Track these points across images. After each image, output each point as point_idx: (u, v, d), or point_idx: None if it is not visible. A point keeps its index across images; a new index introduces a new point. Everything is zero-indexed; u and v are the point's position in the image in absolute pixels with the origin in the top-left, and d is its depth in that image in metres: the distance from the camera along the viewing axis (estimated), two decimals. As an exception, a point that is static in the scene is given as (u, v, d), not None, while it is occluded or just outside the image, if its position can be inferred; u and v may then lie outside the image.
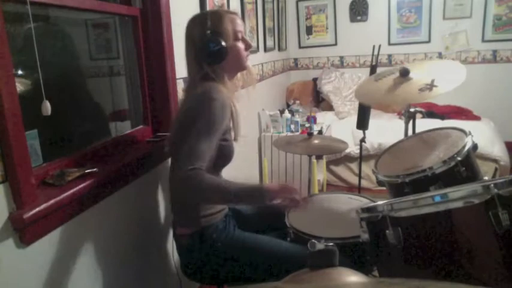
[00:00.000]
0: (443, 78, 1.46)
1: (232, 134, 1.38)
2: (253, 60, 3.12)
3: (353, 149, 3.33)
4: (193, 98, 1.27)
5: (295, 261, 1.18)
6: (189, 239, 1.33)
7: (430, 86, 1.41)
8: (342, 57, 4.52)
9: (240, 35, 1.33)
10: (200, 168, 1.10)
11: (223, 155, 1.31)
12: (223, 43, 1.26)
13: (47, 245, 1.08)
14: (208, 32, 1.26)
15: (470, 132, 1.35)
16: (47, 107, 1.04)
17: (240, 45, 1.33)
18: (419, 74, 1.53)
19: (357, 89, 1.80)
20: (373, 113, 3.09)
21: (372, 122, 2.46)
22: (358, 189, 2.62)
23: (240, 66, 1.37)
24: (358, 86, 1.79)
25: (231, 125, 1.36)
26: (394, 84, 1.55)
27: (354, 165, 3.45)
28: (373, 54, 2.46)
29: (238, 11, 2.76)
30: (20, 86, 1.10)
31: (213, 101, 1.19)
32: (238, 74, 1.45)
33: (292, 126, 3.19)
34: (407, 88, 1.49)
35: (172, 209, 1.42)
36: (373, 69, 2.37)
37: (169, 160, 1.50)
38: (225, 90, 1.27)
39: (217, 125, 1.19)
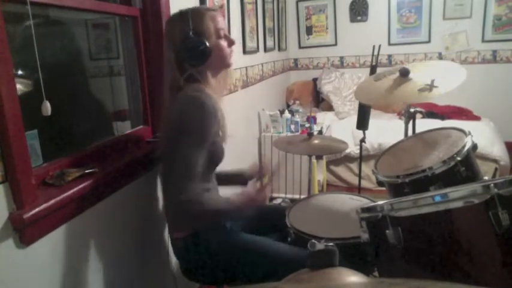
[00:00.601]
0: (443, 79, 1.46)
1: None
2: (253, 60, 3.14)
3: (353, 149, 3.33)
4: (182, 102, 1.23)
5: (292, 262, 1.18)
6: (184, 242, 1.32)
7: (430, 87, 1.41)
8: (342, 58, 4.52)
9: (222, 33, 1.30)
10: (198, 193, 1.19)
11: (214, 157, 1.31)
12: (206, 43, 1.23)
13: (47, 245, 1.08)
14: (191, 32, 1.22)
15: (470, 132, 1.36)
16: (47, 107, 1.04)
17: (223, 42, 1.30)
18: (419, 75, 1.53)
19: (356, 89, 1.80)
20: (373, 113, 3.09)
21: (372, 122, 2.46)
22: (358, 190, 2.62)
23: (224, 64, 1.34)
24: (357, 85, 1.79)
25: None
26: (394, 84, 1.55)
27: (354, 165, 3.45)
28: (373, 55, 2.46)
29: (238, 11, 2.76)
30: (20, 86, 1.10)
31: (204, 108, 1.18)
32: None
33: (292, 127, 3.19)
34: (407, 88, 1.49)
35: (166, 213, 1.41)
36: (373, 70, 2.37)
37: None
38: (212, 92, 1.26)
39: (209, 133, 1.21)
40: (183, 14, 1.27)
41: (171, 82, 1.30)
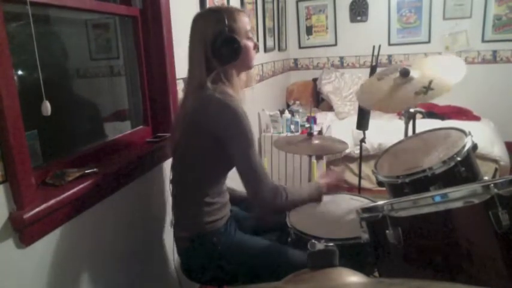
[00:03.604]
0: (443, 75, 1.46)
1: None
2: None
3: (353, 149, 3.33)
4: (214, 107, 1.22)
5: (294, 264, 1.19)
6: (189, 242, 1.32)
7: (426, 89, 1.42)
8: (342, 58, 4.52)
9: (249, 34, 1.32)
10: (274, 188, 1.26)
11: (230, 159, 1.31)
12: (239, 41, 1.24)
13: (47, 245, 1.08)
14: (227, 29, 1.23)
15: (470, 132, 1.35)
16: (47, 107, 1.04)
17: (250, 44, 1.32)
18: (419, 73, 1.53)
19: (358, 91, 1.79)
20: (373, 113, 3.08)
21: (372, 122, 2.46)
22: (358, 190, 2.62)
23: (248, 65, 1.36)
24: (359, 87, 1.79)
25: None
26: (394, 85, 1.55)
27: (354, 166, 3.45)
28: (373, 55, 2.46)
29: (238, 11, 2.76)
30: (19, 86, 1.10)
31: (237, 111, 1.21)
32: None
33: (292, 127, 3.20)
34: (405, 92, 1.49)
35: (173, 212, 1.42)
36: (373, 70, 2.37)
37: (170, 160, 1.50)
38: (235, 93, 1.27)
39: (251, 133, 1.24)
40: (216, 12, 1.28)
41: (197, 80, 1.28)
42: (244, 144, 1.23)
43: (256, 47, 1.35)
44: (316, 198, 1.43)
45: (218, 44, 1.23)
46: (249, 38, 1.31)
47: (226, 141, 1.24)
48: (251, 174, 1.24)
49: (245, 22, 1.30)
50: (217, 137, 1.24)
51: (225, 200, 1.39)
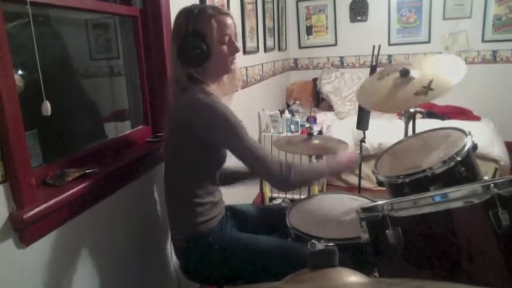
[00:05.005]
0: (443, 76, 1.46)
1: None
2: (253, 60, 3.14)
3: (353, 149, 3.32)
4: (193, 108, 1.22)
5: (295, 260, 1.18)
6: (185, 243, 1.33)
7: (426, 90, 1.41)
8: (342, 58, 4.52)
9: (226, 39, 1.25)
10: (281, 163, 1.23)
11: (219, 157, 1.32)
12: (203, 46, 1.20)
13: (47, 245, 1.08)
14: (191, 30, 1.20)
15: (470, 132, 1.35)
16: (47, 107, 1.04)
17: (225, 49, 1.26)
18: (419, 73, 1.53)
19: (358, 90, 1.79)
20: (373, 113, 3.07)
21: (372, 122, 2.46)
22: (358, 189, 2.62)
23: (223, 70, 1.31)
24: (359, 87, 1.78)
25: None
26: (394, 85, 1.55)
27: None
28: (373, 55, 2.46)
29: (238, 11, 2.76)
30: (19, 85, 1.10)
31: (221, 112, 1.20)
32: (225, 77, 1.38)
33: (292, 127, 3.20)
34: (405, 92, 1.49)
35: (168, 214, 1.42)
36: (373, 70, 2.37)
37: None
38: (217, 94, 1.26)
39: (239, 123, 1.22)
40: (190, 11, 1.24)
41: (174, 76, 1.28)
42: (237, 138, 1.21)
43: (234, 52, 1.29)
44: (336, 171, 1.49)
45: (182, 45, 1.21)
46: (224, 43, 1.25)
47: (219, 142, 1.24)
48: (255, 159, 1.22)
49: (222, 26, 1.23)
50: (206, 140, 1.23)
51: (217, 198, 1.38)
